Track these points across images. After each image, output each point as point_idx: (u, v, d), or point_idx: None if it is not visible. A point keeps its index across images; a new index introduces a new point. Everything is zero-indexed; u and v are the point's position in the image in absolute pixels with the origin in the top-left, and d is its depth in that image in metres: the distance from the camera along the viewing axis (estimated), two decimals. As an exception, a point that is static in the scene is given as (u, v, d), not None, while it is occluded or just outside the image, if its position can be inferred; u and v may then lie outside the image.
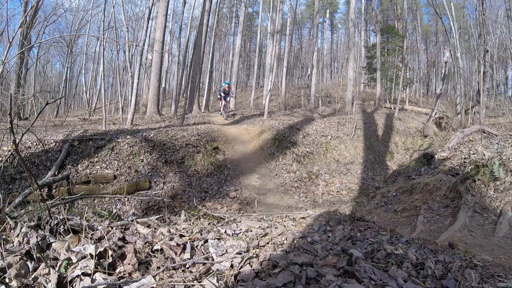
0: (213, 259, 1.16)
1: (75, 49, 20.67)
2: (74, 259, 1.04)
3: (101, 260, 1.05)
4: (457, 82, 12.04)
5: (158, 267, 1.07)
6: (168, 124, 8.48)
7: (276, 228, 1.56)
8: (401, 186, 5.04)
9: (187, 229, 1.57)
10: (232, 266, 1.08)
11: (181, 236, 1.43)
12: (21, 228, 1.24)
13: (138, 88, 10.61)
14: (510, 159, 4.18)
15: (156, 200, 4.95)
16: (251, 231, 1.52)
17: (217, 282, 0.97)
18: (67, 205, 4.67)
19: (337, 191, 6.29)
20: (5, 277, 0.92)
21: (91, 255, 1.04)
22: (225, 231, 1.51)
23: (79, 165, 5.37)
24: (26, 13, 8.72)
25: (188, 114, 11.82)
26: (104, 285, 0.91)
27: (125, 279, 0.98)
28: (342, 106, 13.06)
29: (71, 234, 1.25)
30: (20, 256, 1.02)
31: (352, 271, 0.99)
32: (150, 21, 11.38)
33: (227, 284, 0.96)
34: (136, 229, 1.44)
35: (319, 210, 3.38)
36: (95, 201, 4.87)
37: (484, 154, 4.86)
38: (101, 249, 1.08)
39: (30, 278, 0.94)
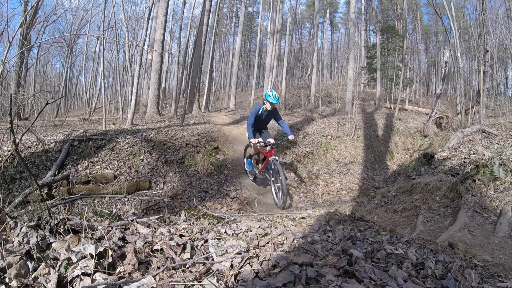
0: (213, 259, 1.15)
1: (75, 49, 20.71)
2: (74, 259, 1.04)
3: (101, 260, 1.05)
4: (457, 82, 12.05)
5: (158, 267, 1.07)
6: (168, 124, 8.48)
7: (276, 228, 1.56)
8: (401, 186, 5.03)
9: (187, 229, 1.56)
10: (232, 266, 1.08)
11: (181, 236, 1.43)
12: (21, 228, 1.24)
13: (138, 88, 10.61)
14: (510, 159, 4.17)
15: (156, 200, 4.94)
16: (251, 231, 1.52)
17: (217, 282, 0.97)
18: (67, 205, 4.66)
19: (337, 191, 6.28)
20: (5, 277, 0.92)
21: (91, 255, 1.04)
22: (225, 231, 1.51)
23: (79, 165, 5.37)
24: (26, 13, 8.72)
25: (188, 114, 11.82)
26: (104, 285, 0.91)
27: (125, 279, 0.98)
28: (342, 106, 13.06)
29: (71, 234, 1.25)
30: (20, 256, 1.02)
31: (352, 271, 0.99)
32: (150, 21, 11.39)
33: (227, 284, 0.96)
34: (136, 229, 1.44)
35: (319, 210, 3.38)
36: (95, 201, 4.87)
37: (484, 154, 4.85)
38: (101, 249, 1.08)
39: (30, 278, 0.94)
